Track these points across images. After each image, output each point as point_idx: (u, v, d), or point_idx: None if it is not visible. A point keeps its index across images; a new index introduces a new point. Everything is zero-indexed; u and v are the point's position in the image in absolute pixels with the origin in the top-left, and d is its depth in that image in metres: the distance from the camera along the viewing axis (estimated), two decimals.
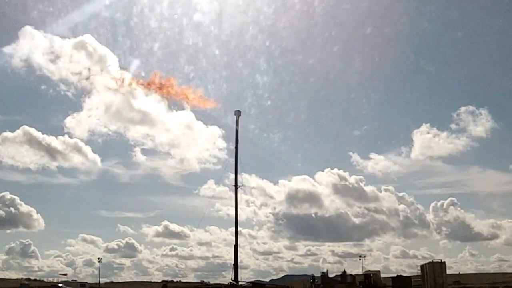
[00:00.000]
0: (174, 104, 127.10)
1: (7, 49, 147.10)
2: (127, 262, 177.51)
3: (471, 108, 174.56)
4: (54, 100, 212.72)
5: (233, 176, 68.10)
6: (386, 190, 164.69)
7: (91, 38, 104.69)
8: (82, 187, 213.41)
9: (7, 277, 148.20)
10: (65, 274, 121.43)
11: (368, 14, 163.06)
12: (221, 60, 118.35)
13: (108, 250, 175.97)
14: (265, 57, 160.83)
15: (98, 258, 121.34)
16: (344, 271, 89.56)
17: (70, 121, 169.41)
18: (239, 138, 68.17)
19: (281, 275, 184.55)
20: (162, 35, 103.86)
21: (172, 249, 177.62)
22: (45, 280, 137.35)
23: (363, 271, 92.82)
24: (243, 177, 70.33)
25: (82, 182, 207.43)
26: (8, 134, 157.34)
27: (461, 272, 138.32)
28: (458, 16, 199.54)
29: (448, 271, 72.95)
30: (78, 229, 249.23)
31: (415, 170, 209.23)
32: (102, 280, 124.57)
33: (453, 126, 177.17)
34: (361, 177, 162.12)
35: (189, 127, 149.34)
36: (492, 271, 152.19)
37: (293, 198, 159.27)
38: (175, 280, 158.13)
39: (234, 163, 68.00)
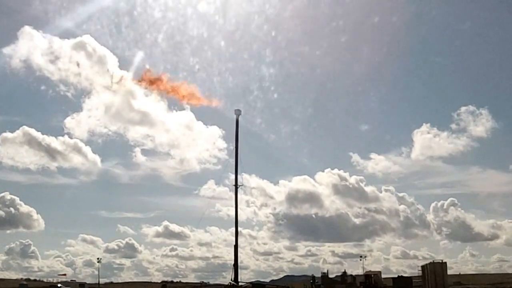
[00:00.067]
0: (174, 104, 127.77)
1: (6, 50, 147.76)
2: (127, 262, 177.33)
3: (471, 108, 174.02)
4: (54, 100, 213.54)
5: (233, 176, 68.14)
6: (386, 191, 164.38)
7: (91, 38, 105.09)
8: (82, 188, 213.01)
9: (7, 277, 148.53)
10: (64, 275, 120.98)
11: (363, 15, 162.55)
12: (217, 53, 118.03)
13: (108, 250, 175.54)
14: (265, 58, 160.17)
15: (98, 259, 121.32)
16: (345, 272, 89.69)
17: (70, 122, 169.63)
18: (239, 138, 68.26)
19: (281, 275, 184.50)
20: (163, 29, 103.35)
21: (172, 250, 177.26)
22: (45, 280, 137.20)
23: (364, 271, 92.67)
24: (243, 177, 70.43)
25: (82, 183, 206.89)
26: (8, 134, 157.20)
27: (461, 273, 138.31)
28: (458, 17, 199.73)
29: (449, 272, 72.72)
30: (78, 230, 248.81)
31: (415, 170, 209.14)
32: (102, 281, 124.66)
33: (453, 126, 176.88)
34: (361, 177, 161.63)
35: (189, 127, 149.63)
36: (492, 272, 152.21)
37: (293, 198, 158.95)
38: (175, 280, 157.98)
39: (234, 163, 68.00)
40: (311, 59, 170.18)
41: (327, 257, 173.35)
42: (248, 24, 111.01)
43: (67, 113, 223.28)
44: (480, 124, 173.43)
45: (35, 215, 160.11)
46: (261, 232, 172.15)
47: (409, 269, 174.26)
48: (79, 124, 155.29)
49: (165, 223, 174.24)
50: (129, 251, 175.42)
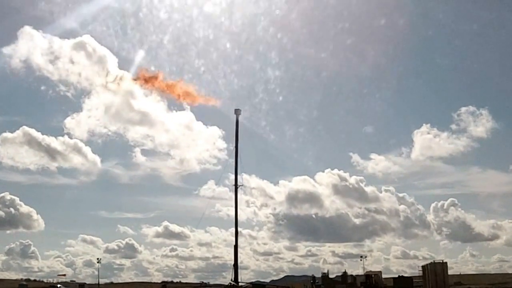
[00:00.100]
0: (174, 104, 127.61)
1: (6, 50, 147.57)
2: (127, 262, 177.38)
3: (471, 108, 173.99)
4: (54, 100, 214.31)
5: (233, 176, 67.92)
6: (386, 191, 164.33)
7: (90, 38, 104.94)
8: (82, 188, 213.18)
9: (7, 277, 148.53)
10: (64, 275, 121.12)
11: (361, 15, 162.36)
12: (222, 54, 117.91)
13: (108, 250, 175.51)
14: (264, 61, 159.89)
15: (98, 259, 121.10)
16: (345, 272, 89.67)
17: (69, 122, 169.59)
18: (239, 138, 68.08)
19: (281, 275, 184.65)
20: (168, 30, 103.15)
21: (172, 250, 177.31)
22: (45, 280, 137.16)
23: (364, 271, 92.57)
24: (243, 178, 70.26)
25: (82, 183, 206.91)
26: (8, 134, 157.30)
27: (462, 273, 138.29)
28: (457, 17, 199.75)
29: (449, 272, 72.66)
30: (78, 230, 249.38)
31: (415, 171, 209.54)
32: (102, 281, 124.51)
33: (453, 126, 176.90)
34: (361, 177, 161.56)
35: (189, 127, 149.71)
36: (492, 272, 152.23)
37: (293, 198, 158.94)
38: (175, 280, 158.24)
39: (234, 163, 67.82)
40: (316, 61, 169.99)
41: (327, 257, 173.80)
42: (254, 25, 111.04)
43: (67, 113, 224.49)
44: (480, 125, 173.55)
45: (35, 215, 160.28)
46: (261, 232, 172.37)
47: (409, 269, 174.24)
48: (79, 124, 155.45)
49: (165, 223, 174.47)
50: (129, 251, 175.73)
